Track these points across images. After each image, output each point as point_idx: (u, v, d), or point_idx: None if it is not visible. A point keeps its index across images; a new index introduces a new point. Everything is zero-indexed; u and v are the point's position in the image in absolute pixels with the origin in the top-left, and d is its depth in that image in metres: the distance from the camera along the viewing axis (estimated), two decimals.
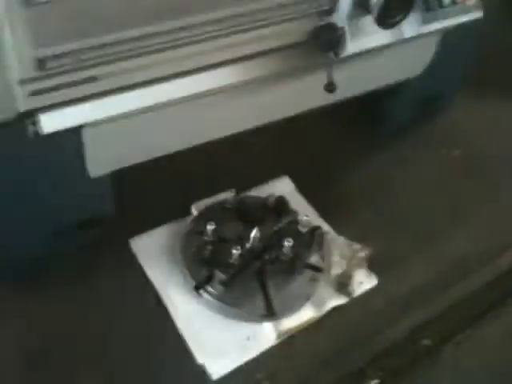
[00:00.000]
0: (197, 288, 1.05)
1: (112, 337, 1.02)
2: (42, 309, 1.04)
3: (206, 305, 1.05)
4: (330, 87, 0.90)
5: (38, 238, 1.06)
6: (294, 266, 1.07)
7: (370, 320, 1.11)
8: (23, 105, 0.75)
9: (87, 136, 0.95)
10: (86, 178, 1.02)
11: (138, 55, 0.79)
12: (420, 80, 1.37)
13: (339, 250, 1.15)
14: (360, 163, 1.44)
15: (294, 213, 1.16)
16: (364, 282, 1.16)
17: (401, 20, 0.85)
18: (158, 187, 1.25)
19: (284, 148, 1.42)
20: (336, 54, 0.90)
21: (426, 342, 1.11)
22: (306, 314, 1.08)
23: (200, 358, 1.01)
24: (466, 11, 0.94)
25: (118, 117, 0.92)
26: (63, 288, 1.07)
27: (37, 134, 0.85)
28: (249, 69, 0.92)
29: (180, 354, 1.02)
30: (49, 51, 0.69)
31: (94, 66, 0.77)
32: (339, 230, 1.23)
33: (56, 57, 0.70)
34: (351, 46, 0.88)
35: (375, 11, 0.81)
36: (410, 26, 0.90)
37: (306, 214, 1.15)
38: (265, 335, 1.05)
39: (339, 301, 1.12)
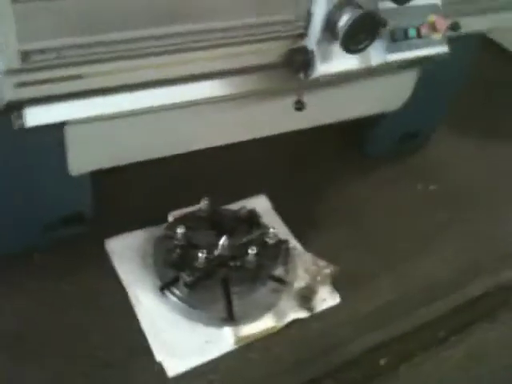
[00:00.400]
0: (162, 288, 1.09)
1: (83, 328, 1.06)
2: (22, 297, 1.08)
3: (171, 306, 1.10)
4: (299, 105, 0.96)
5: (23, 231, 1.11)
6: (258, 275, 1.12)
7: (330, 335, 1.15)
8: (9, 95, 0.81)
9: (69, 134, 1.01)
10: (67, 176, 1.07)
11: (120, 58, 0.86)
12: (400, 113, 1.45)
13: (304, 265, 1.19)
14: (337, 186, 1.49)
15: (265, 226, 1.20)
16: (327, 298, 1.19)
17: (365, 47, 0.92)
18: (138, 192, 1.31)
19: (264, 166, 1.48)
20: (306, 75, 0.97)
21: (383, 360, 1.14)
22: (266, 323, 1.11)
23: (159, 355, 1.04)
24: (432, 45, 1.01)
25: (101, 118, 0.99)
26: (39, 280, 1.12)
27: (21, 127, 0.92)
28: (224, 85, 0.99)
29: (141, 351, 1.05)
30: (33, 45, 0.76)
31: (78, 64, 0.83)
32: (309, 247, 1.27)
33: (40, 51, 0.76)
34: (320, 68, 0.95)
35: (340, 36, 0.88)
36: (376, 54, 0.97)
37: (274, 227, 1.19)
38: (224, 339, 1.08)
39: (300, 314, 1.15)
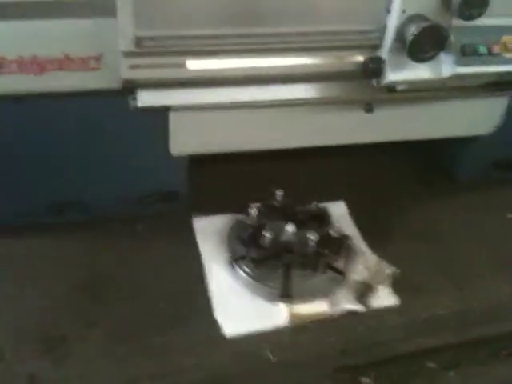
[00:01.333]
0: (232, 261, 1.24)
1: (154, 284, 1.24)
2: (104, 247, 1.30)
3: (237, 278, 1.23)
4: (368, 108, 1.08)
5: (126, 200, 1.33)
6: (317, 263, 1.22)
7: (381, 332, 1.20)
8: (125, 74, 1.03)
9: (173, 118, 1.21)
10: (168, 155, 1.27)
11: (218, 53, 1.04)
12: (492, 139, 1.48)
13: (366, 263, 1.27)
14: (419, 206, 1.54)
15: (333, 223, 1.30)
16: (384, 298, 1.26)
17: (431, 57, 1.01)
18: (228, 183, 1.47)
19: (347, 178, 1.58)
20: (378, 82, 1.08)
21: (431, 364, 1.17)
22: (320, 307, 1.21)
23: (220, 317, 1.18)
24: (503, 63, 1.07)
25: (201, 107, 1.18)
26: (128, 239, 1.32)
27: (136, 107, 1.13)
28: (303, 90, 1.13)
29: (204, 311, 1.19)
30: (146, 33, 0.96)
31: (182, 54, 1.03)
32: (376, 252, 1.34)
33: (151, 39, 0.97)
34: (390, 76, 1.06)
35: (407, 45, 0.99)
36: (445, 66, 1.06)
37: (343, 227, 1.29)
38: (279, 315, 1.19)
39: (355, 307, 1.23)
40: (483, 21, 1.03)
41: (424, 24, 0.97)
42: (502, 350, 1.21)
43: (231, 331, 1.16)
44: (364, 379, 1.13)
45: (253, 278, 1.21)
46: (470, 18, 0.99)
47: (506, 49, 1.06)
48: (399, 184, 1.60)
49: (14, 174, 1.21)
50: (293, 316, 1.19)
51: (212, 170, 1.48)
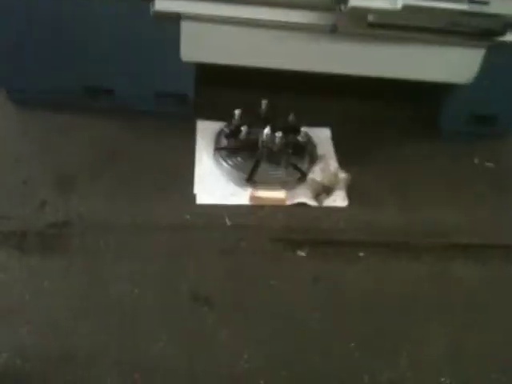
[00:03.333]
0: (214, 151, 1.52)
1: (155, 160, 1.55)
2: (123, 130, 1.63)
3: (217, 165, 1.52)
4: (333, 28, 1.32)
5: (145, 95, 1.64)
6: (281, 159, 1.48)
7: (325, 222, 1.44)
8: None
9: (184, 26, 1.50)
10: (178, 60, 1.56)
11: None
12: (472, 91, 1.64)
13: (325, 167, 1.50)
14: (398, 143, 1.74)
15: (306, 133, 1.55)
16: (337, 199, 1.49)
17: None
18: (230, 90, 1.72)
19: (339, 112, 1.79)
20: (344, 7, 1.31)
21: (362, 254, 1.40)
22: (278, 195, 1.47)
23: (196, 189, 1.47)
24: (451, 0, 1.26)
25: (207, 19, 1.46)
26: (140, 125, 1.64)
27: (153, 11, 1.43)
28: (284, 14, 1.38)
29: (186, 185, 1.49)
30: None
31: None
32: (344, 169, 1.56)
33: None
34: (352, 2, 1.29)
35: None
36: None
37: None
38: (243, 196, 1.46)
39: (309, 202, 1.47)
40: None
41: None
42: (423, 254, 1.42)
43: (202, 200, 1.45)
44: (299, 252, 1.38)
45: (228, 164, 1.49)
46: None
47: None
48: (386, 124, 1.80)
49: (58, 57, 1.55)
50: (253, 198, 1.46)
51: (220, 82, 1.74)
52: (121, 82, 1.62)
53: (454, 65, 1.61)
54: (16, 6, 1.45)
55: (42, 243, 1.32)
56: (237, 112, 1.53)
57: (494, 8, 1.39)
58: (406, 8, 1.28)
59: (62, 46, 1.53)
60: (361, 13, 1.34)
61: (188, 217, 1.41)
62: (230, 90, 1.75)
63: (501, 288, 1.37)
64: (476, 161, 1.72)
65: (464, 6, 1.31)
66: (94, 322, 1.19)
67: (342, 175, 1.49)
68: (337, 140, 1.70)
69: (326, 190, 1.49)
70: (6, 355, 1.12)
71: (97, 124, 1.64)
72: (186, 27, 1.50)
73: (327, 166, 1.50)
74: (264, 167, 1.49)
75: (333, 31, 1.34)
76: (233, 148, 1.50)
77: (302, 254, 1.38)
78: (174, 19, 1.47)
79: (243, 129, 1.49)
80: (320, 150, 1.60)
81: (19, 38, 1.52)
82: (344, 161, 1.60)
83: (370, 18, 1.37)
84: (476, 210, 1.53)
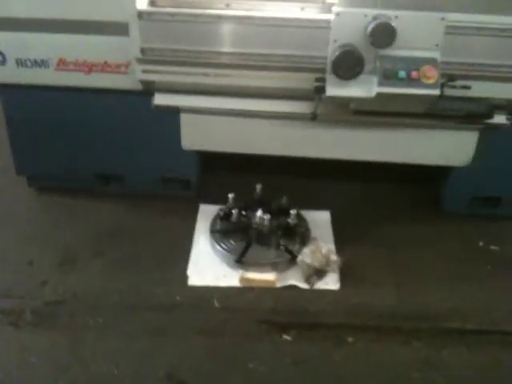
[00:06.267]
0: (210, 233, 1.58)
1: (155, 239, 1.63)
2: (129, 212, 1.73)
3: (212, 247, 1.57)
4: (313, 115, 1.39)
5: (151, 180, 1.75)
6: (270, 242, 1.51)
7: (313, 304, 1.44)
8: (140, 76, 1.47)
9: (183, 118, 1.61)
10: (180, 148, 1.67)
11: (207, 66, 1.43)
12: (472, 173, 1.64)
13: (317, 249, 1.51)
14: (398, 224, 1.73)
15: (297, 215, 1.59)
16: (329, 282, 1.49)
17: (352, 76, 1.30)
18: (229, 180, 1.78)
19: (339, 194, 1.83)
20: (322, 97, 1.39)
21: (351, 339, 1.38)
22: (268, 277, 1.48)
23: (189, 270, 1.52)
24: (423, 87, 1.31)
25: (205, 111, 1.57)
26: (145, 208, 1.73)
27: (153, 105, 1.56)
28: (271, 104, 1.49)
29: (182, 265, 1.54)
30: (147, 45, 1.40)
31: (182, 64, 1.44)
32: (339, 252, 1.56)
33: (152, 50, 1.40)
34: (328, 91, 1.36)
35: (330, 66, 1.31)
36: (372, 86, 1.33)
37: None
38: (234, 277, 1.49)
39: (300, 284, 1.48)
40: (405, 51, 1.30)
41: (343, 49, 1.28)
42: (413, 339, 1.37)
43: (193, 282, 1.49)
44: (285, 335, 1.37)
45: (221, 246, 1.54)
46: (379, 46, 1.27)
47: (424, 76, 1.30)
48: (386, 205, 1.80)
49: (72, 147, 1.69)
50: (243, 279, 1.48)
51: (222, 166, 1.83)
52: (129, 169, 1.74)
53: (447, 148, 1.63)
54: (34, 103, 1.62)
55: (36, 320, 1.38)
56: (230, 196, 1.60)
57: (477, 91, 1.43)
58: (382, 95, 1.33)
59: (76, 138, 1.68)
60: (339, 101, 1.42)
61: (178, 297, 1.45)
62: (231, 174, 1.83)
63: (496, 379, 1.29)
64: (481, 243, 1.68)
65: (442, 92, 1.35)
66: None
67: (334, 258, 1.50)
68: (336, 222, 1.71)
69: (318, 272, 1.50)
70: None
71: (105, 207, 1.74)
72: (184, 118, 1.61)
73: (318, 249, 1.51)
74: (255, 249, 1.52)
75: (313, 119, 1.41)
76: (226, 230, 1.55)
77: (287, 337, 1.37)
78: (174, 112, 1.60)
79: (234, 212, 1.54)
80: (316, 232, 1.62)
81: (38, 132, 1.68)
82: (342, 242, 1.62)
83: (352, 105, 1.44)
84: (474, 293, 1.49)
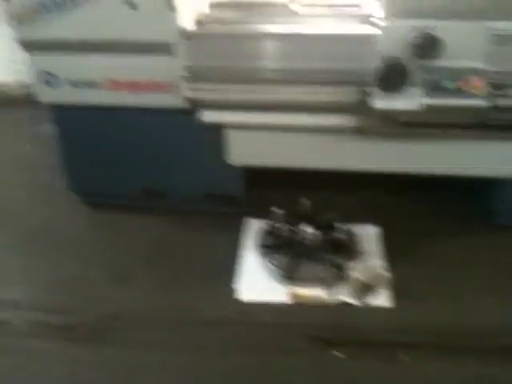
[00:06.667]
0: (257, 248, 1.58)
1: (202, 257, 1.64)
2: (175, 228, 1.76)
3: (259, 262, 1.56)
4: (357, 129, 1.39)
5: (196, 196, 1.77)
6: (321, 257, 1.50)
7: (365, 320, 1.41)
8: (187, 94, 1.50)
9: (230, 134, 1.63)
10: (225, 164, 1.68)
11: (248, 82, 1.45)
12: None
13: (367, 265, 1.49)
14: (449, 238, 1.69)
15: (347, 230, 1.57)
16: (380, 298, 1.47)
17: (398, 88, 1.29)
18: (278, 189, 1.80)
19: (391, 204, 1.80)
20: (365, 111, 1.38)
21: (405, 357, 1.34)
22: (318, 293, 1.47)
23: (239, 286, 1.52)
24: (471, 97, 1.28)
25: (251, 126, 1.58)
26: (190, 224, 1.75)
27: (200, 122, 1.58)
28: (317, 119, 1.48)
29: (229, 279, 1.54)
30: (194, 64, 1.42)
31: (227, 81, 1.46)
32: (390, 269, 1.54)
33: (198, 68, 1.43)
34: (375, 104, 1.35)
35: (374, 79, 1.29)
36: (418, 98, 1.31)
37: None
38: (283, 292, 1.48)
39: (350, 300, 1.46)
40: (451, 62, 1.28)
41: (388, 61, 1.27)
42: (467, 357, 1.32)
43: (241, 296, 1.49)
44: (336, 352, 1.35)
45: (269, 261, 1.53)
46: (425, 58, 1.26)
47: (471, 86, 1.28)
48: (437, 219, 1.76)
49: (120, 165, 1.73)
50: (292, 295, 1.47)
51: (268, 181, 1.82)
52: (175, 186, 1.76)
53: (499, 159, 1.58)
54: (85, 122, 1.66)
55: (88, 335, 1.41)
56: (276, 210, 1.59)
57: None
58: (429, 107, 1.31)
59: (124, 155, 1.71)
60: (385, 114, 1.40)
61: (226, 313, 1.45)
62: (275, 187, 1.82)
63: None
64: None
65: (491, 102, 1.32)
66: None
67: (385, 274, 1.47)
68: (385, 236, 1.68)
69: (368, 288, 1.47)
70: None
71: (152, 223, 1.77)
72: (232, 134, 1.63)
73: (369, 264, 1.49)
74: (303, 264, 1.51)
75: (359, 132, 1.40)
76: (273, 245, 1.54)
77: (338, 354, 1.35)
78: (220, 128, 1.61)
79: (282, 226, 1.53)
80: (365, 247, 1.59)
81: (88, 150, 1.72)
82: (392, 258, 1.58)
83: (398, 117, 1.42)
84: None
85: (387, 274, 1.47)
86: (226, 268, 1.58)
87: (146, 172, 1.73)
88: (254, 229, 1.71)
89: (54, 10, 1.45)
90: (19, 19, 1.47)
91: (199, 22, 1.48)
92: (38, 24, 1.47)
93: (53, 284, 1.57)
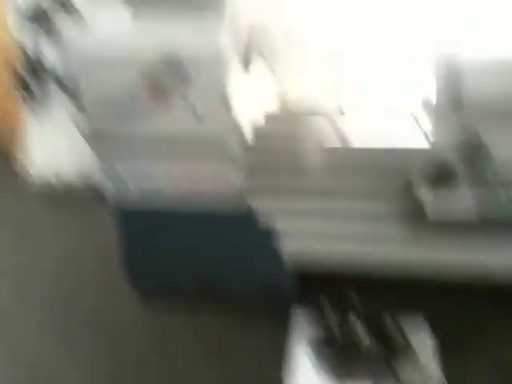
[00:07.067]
0: (308, 344, 1.64)
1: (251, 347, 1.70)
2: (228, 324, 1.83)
3: (310, 359, 1.61)
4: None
5: (250, 291, 1.86)
6: (370, 353, 1.55)
7: None
8: (247, 201, 1.64)
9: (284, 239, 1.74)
10: (280, 262, 1.78)
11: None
12: None
13: (418, 363, 1.52)
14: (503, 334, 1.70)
15: (399, 328, 1.61)
16: None
17: (447, 190, 1.39)
18: (330, 287, 1.81)
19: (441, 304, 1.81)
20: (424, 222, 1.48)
21: None
22: None
23: (288, 382, 1.56)
24: None
25: (308, 231, 1.70)
26: (245, 320, 1.82)
27: (265, 227, 1.71)
28: None
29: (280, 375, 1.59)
30: (253, 173, 1.58)
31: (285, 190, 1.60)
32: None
33: (256, 177, 1.58)
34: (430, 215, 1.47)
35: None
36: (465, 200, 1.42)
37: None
38: None
39: None
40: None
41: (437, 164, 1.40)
42: None
43: None
44: None
45: (319, 357, 1.58)
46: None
47: None
48: (487, 311, 1.77)
49: (180, 264, 1.86)
50: None
51: (320, 279, 1.87)
52: (228, 281, 1.86)
53: None
54: (149, 225, 1.81)
55: None
56: (325, 304, 1.67)
57: None
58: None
59: (184, 254, 1.84)
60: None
61: None
62: (321, 280, 1.84)
63: None
64: None
65: None
66: None
67: (436, 373, 1.50)
68: (436, 335, 1.69)
69: None
70: None
71: (203, 316, 1.86)
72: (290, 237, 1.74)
73: (420, 363, 1.52)
74: (354, 360, 1.55)
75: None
76: (324, 341, 1.60)
77: None
78: (278, 232, 1.73)
79: (331, 322, 1.60)
80: (415, 343, 1.61)
81: (151, 250, 1.86)
82: (443, 354, 1.58)
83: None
84: None
85: (439, 374, 1.50)
86: (278, 363, 1.63)
87: (201, 267, 1.85)
88: (303, 324, 1.75)
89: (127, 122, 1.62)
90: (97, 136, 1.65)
91: (257, 136, 1.65)
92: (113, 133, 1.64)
93: None
